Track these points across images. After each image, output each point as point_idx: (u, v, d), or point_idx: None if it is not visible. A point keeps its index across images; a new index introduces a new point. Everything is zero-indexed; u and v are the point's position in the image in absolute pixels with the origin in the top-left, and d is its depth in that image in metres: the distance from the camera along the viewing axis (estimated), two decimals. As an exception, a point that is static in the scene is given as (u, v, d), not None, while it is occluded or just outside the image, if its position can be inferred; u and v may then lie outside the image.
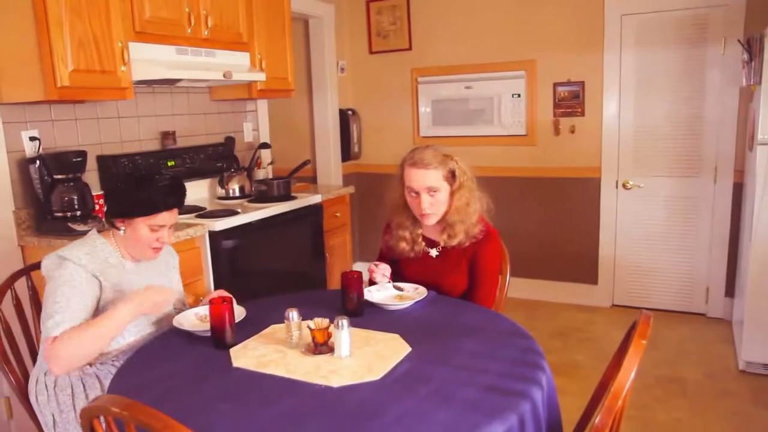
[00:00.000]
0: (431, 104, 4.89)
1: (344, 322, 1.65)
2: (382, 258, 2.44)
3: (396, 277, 2.32)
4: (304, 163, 3.54)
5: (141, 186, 1.91)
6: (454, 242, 2.23)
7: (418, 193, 2.20)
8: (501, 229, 2.38)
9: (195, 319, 2.00)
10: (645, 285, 4.42)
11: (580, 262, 4.56)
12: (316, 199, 3.62)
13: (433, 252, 2.31)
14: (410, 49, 4.91)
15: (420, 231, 2.33)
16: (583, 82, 4.34)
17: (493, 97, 4.61)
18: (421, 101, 4.93)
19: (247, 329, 1.90)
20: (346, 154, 5.07)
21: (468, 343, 1.74)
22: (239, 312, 1.99)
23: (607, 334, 4.04)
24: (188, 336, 1.88)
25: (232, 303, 1.82)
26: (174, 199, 1.97)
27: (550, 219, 4.61)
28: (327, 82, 4.92)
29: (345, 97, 5.12)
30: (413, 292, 2.17)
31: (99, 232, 2.02)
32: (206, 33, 3.16)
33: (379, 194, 5.27)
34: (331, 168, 5.02)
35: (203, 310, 2.02)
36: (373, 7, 5.00)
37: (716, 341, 3.86)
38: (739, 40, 3.53)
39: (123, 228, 1.94)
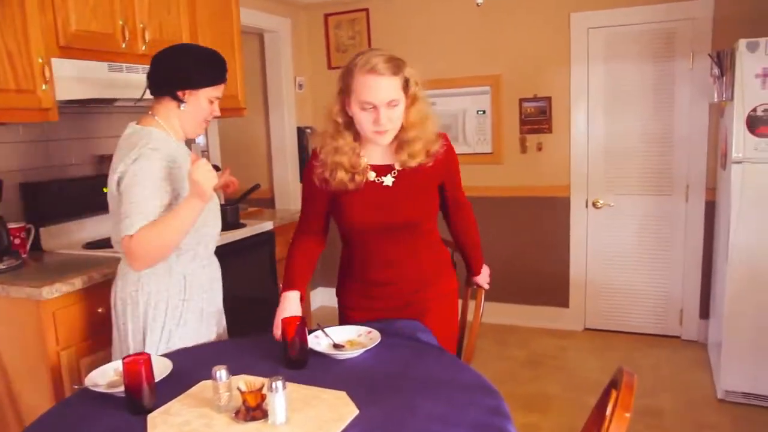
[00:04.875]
0: (393, 122, 4.68)
1: (279, 384, 1.40)
2: (309, 201, 2.00)
3: (339, 217, 1.95)
4: (254, 188, 3.29)
5: (203, 56, 1.97)
6: (414, 162, 1.90)
7: (375, 107, 1.79)
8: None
9: (114, 376, 1.73)
10: (618, 307, 4.26)
11: (550, 285, 4.38)
12: (267, 225, 3.35)
13: (388, 179, 1.92)
14: (371, 64, 4.70)
15: (363, 155, 1.90)
16: (549, 98, 4.19)
17: (457, 113, 4.42)
18: (383, 118, 4.72)
19: (173, 386, 1.64)
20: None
21: (426, 402, 1.50)
22: (163, 366, 1.73)
23: (579, 362, 3.85)
24: (103, 397, 1.61)
25: (150, 358, 1.56)
26: (227, 70, 2.02)
27: (518, 240, 4.42)
28: (284, 99, 4.68)
29: (303, 114, 4.88)
30: (365, 338, 1.93)
31: (137, 123, 1.98)
32: (144, 48, 2.90)
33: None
34: (289, 189, 4.77)
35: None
36: (332, 21, 4.80)
37: (693, 367, 3.70)
38: (709, 55, 3.41)
39: (185, 102, 1.94)
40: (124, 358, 1.54)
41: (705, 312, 4.00)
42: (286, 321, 1.78)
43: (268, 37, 4.66)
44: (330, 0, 4.68)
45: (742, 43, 2.96)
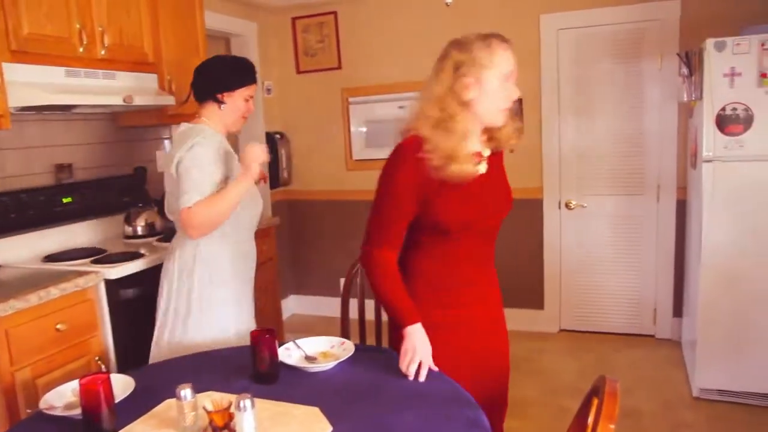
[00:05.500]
0: (364, 125, 4.63)
1: (247, 402, 1.33)
2: (400, 204, 1.69)
3: (435, 216, 1.70)
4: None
5: (236, 62, 2.35)
6: (509, 146, 1.81)
7: (511, 80, 1.70)
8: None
9: (72, 397, 1.63)
10: (592, 308, 4.25)
11: (525, 287, 4.35)
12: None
13: (482, 167, 1.76)
14: (340, 68, 4.65)
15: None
16: (520, 99, 4.15)
17: (428, 116, 4.37)
18: (353, 122, 4.66)
19: (137, 406, 1.56)
20: (275, 180, 4.73)
21: (402, 416, 1.44)
22: (124, 385, 1.64)
23: (556, 365, 3.82)
24: (59, 421, 1.52)
25: (109, 378, 1.47)
26: (256, 72, 2.37)
27: (492, 243, 4.38)
28: (252, 104, 4.58)
29: (272, 119, 4.79)
30: (339, 349, 1.86)
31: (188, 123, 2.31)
32: (103, 52, 2.79)
33: (311, 222, 5.05)
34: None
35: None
36: (299, 25, 4.72)
37: (668, 365, 3.70)
38: (678, 54, 3.42)
39: (225, 103, 2.28)
40: (80, 378, 1.45)
41: (678, 310, 4.01)
42: (254, 334, 1.71)
43: (234, 41, 4.56)
44: (297, 3, 4.61)
45: (710, 42, 2.96)
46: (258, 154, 2.17)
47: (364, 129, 4.63)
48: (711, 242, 3.10)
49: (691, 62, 3.22)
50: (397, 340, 1.73)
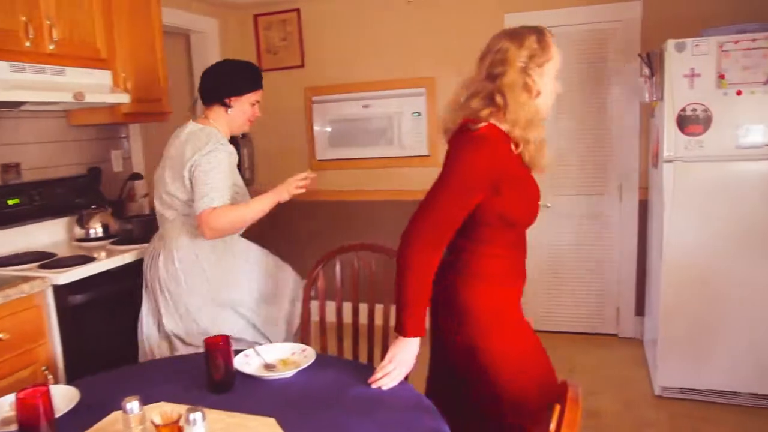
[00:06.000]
0: (328, 125, 4.56)
1: (197, 416, 1.26)
2: (463, 196, 1.62)
3: (504, 208, 1.66)
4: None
5: (243, 68, 2.40)
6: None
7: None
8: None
9: (9, 411, 1.54)
10: (557, 308, 4.26)
11: (490, 288, 4.33)
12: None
13: None
14: (303, 66, 4.57)
15: None
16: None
17: (392, 116, 4.33)
18: (317, 122, 4.58)
19: (81, 420, 1.47)
20: (238, 180, 4.63)
21: (362, 425, 1.39)
22: (68, 397, 1.55)
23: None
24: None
25: (49, 391, 1.38)
26: (261, 78, 2.46)
27: (457, 243, 4.37)
28: (212, 102, 4.48)
29: (234, 118, 4.68)
30: (299, 356, 1.80)
31: (194, 122, 2.40)
32: (52, 47, 2.67)
33: (276, 223, 4.95)
34: (220, 197, 4.56)
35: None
36: (262, 22, 4.63)
37: (630, 364, 3.72)
38: (639, 55, 3.44)
39: (232, 107, 2.37)
40: (18, 392, 1.36)
41: (641, 309, 4.04)
42: (209, 341, 1.63)
43: (194, 37, 4.45)
44: (260, 0, 4.52)
45: (670, 43, 2.98)
46: (293, 185, 2.37)
47: (328, 129, 4.56)
48: (672, 241, 3.12)
49: (653, 63, 3.24)
50: None
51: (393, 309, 1.78)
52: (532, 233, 1.84)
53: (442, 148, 4.37)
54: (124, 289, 2.63)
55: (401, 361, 1.60)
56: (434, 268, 1.63)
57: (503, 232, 1.72)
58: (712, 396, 3.18)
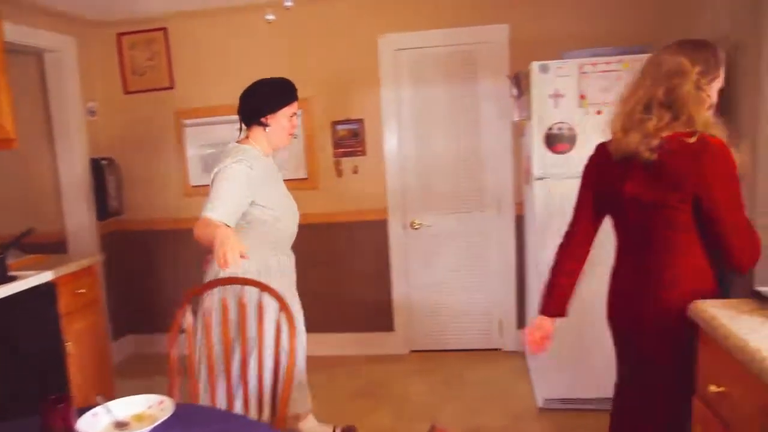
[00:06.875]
0: (201, 149, 4.35)
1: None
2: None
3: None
4: (26, 233, 2.78)
5: (274, 85, 2.51)
6: None
7: None
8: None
9: None
10: (442, 326, 4.28)
11: (375, 310, 4.29)
12: (45, 277, 2.84)
13: None
14: (172, 87, 4.34)
15: None
16: (362, 120, 4.12)
17: (269, 138, 4.20)
18: (189, 146, 4.36)
19: None
20: (104, 211, 4.30)
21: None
22: None
23: (407, 387, 3.77)
24: None
25: None
26: (296, 90, 2.55)
27: (340, 267, 4.29)
28: (72, 127, 4.14)
29: (98, 144, 4.36)
30: (156, 409, 1.62)
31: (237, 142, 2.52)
32: None
33: (148, 254, 4.64)
34: (84, 229, 4.21)
35: None
36: (126, 41, 4.35)
37: (515, 378, 3.79)
38: (507, 76, 3.54)
39: (269, 125, 2.47)
40: None
41: (522, 322, 4.14)
42: (44, 403, 1.43)
43: (48, 57, 4.09)
44: (123, 18, 4.25)
45: (535, 65, 3.08)
46: (225, 254, 2.00)
47: (202, 153, 4.34)
48: (546, 255, 3.19)
49: (521, 83, 3.34)
50: None
51: (265, 350, 1.66)
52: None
53: (321, 171, 4.25)
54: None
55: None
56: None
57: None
58: (592, 404, 3.27)
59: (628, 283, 1.97)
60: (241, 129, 2.55)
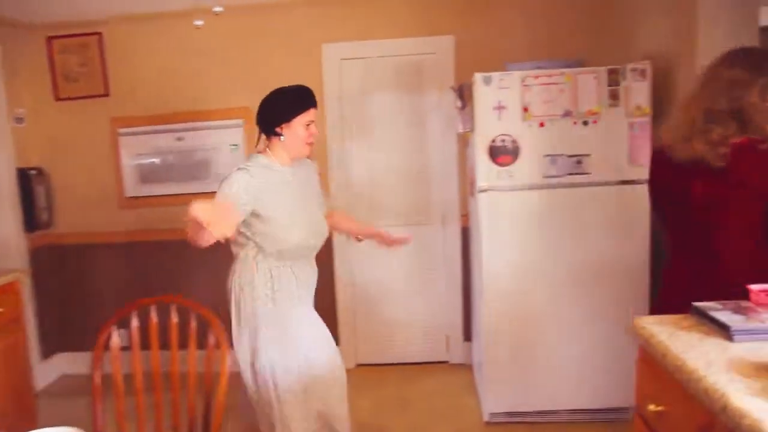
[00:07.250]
0: (138, 159, 4.17)
1: None
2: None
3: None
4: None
5: (287, 93, 2.42)
6: None
7: None
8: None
9: None
10: (388, 339, 4.21)
11: (320, 324, 4.18)
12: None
13: None
14: (107, 95, 4.15)
15: None
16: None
17: (209, 149, 4.07)
18: (125, 156, 4.18)
19: None
20: (32, 223, 4.08)
21: None
22: None
23: (353, 402, 3.64)
24: None
25: None
26: (313, 96, 2.45)
27: (285, 280, 4.17)
28: (-3, 135, 3.91)
29: (25, 153, 4.13)
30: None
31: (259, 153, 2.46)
32: None
33: (80, 268, 4.40)
34: (10, 243, 3.97)
35: None
36: (57, 45, 4.15)
37: (461, 391, 3.75)
38: (451, 87, 3.52)
39: (283, 135, 2.39)
40: None
41: (469, 335, 4.11)
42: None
43: (-30, 61, 3.86)
44: (54, 21, 4.05)
45: (478, 77, 3.06)
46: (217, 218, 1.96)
47: (139, 163, 4.17)
48: (491, 268, 3.18)
49: (464, 95, 3.32)
50: None
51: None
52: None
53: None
54: None
55: None
56: None
57: None
58: (536, 416, 3.27)
59: (685, 282, 1.94)
60: (259, 138, 2.48)
